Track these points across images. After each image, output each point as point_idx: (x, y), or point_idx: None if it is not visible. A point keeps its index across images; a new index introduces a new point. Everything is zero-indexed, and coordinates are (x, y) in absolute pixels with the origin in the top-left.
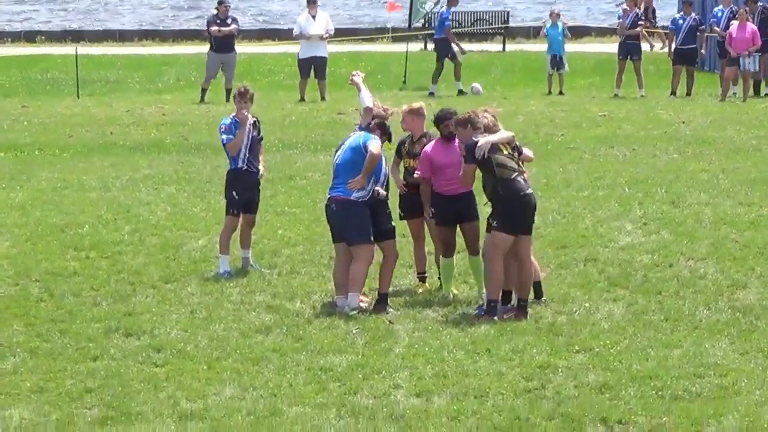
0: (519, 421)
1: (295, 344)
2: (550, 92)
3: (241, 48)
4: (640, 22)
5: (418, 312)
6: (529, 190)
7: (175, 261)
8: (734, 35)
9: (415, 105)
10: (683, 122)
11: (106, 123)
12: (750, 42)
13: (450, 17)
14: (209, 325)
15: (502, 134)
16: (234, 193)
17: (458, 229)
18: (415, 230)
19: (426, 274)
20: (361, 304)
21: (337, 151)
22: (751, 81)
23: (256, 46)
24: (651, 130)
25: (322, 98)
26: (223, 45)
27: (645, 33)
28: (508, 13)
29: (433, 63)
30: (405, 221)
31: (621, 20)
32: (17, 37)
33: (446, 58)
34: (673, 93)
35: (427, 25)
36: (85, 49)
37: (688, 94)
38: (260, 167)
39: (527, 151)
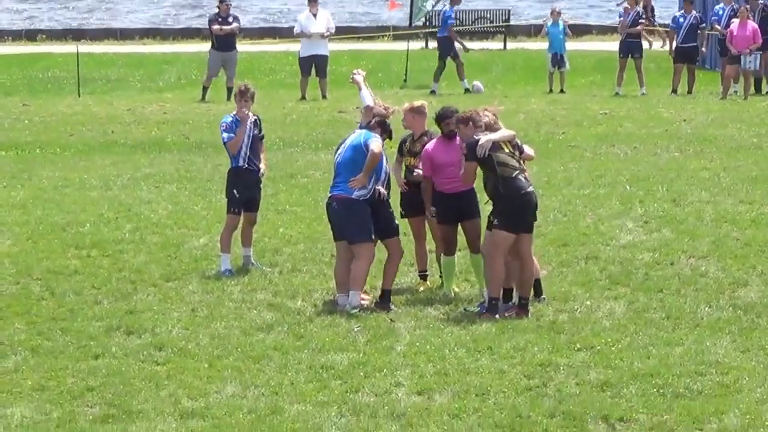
0: (520, 419)
1: (296, 342)
2: (551, 90)
3: (242, 46)
4: (641, 21)
5: (419, 310)
6: (530, 189)
7: (177, 259)
8: (735, 33)
9: (417, 103)
10: (684, 120)
11: (107, 121)
12: (751, 40)
13: (453, 15)
14: (210, 323)
15: (503, 132)
16: (235, 191)
17: (459, 227)
18: (416, 228)
19: (427, 272)
20: (362, 302)
21: (337, 149)
22: (752, 79)
23: (257, 44)
24: (652, 128)
25: (323, 96)
26: (224, 43)
27: (644, 32)
28: (509, 11)
29: (434, 61)
30: (406, 219)
31: (622, 18)
32: (18, 35)
33: (448, 57)
34: (674, 91)
35: (427, 24)
36: (86, 48)
37: (689, 92)
38: (261, 165)
39: (528, 150)
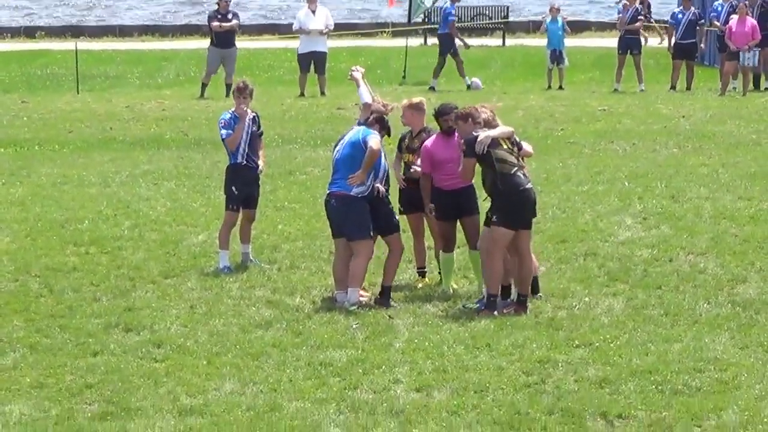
0: (519, 415)
1: (294, 339)
2: (549, 87)
3: (241, 43)
4: (639, 17)
5: (417, 307)
6: (529, 185)
7: (175, 256)
8: (734, 29)
9: (415, 100)
10: (683, 117)
11: (105, 118)
12: (750, 36)
13: (454, 12)
14: (209, 320)
15: (502, 129)
16: (233, 188)
17: (458, 223)
18: (414, 225)
19: (426, 269)
20: (361, 299)
21: (336, 146)
22: (750, 75)
23: (256, 41)
24: (651, 124)
25: (322, 93)
26: (223, 40)
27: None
28: (507, 7)
29: (433, 58)
30: (404, 216)
31: (621, 15)
32: (17, 32)
33: (448, 54)
34: (673, 87)
35: (426, 20)
36: (84, 45)
37: (688, 88)
38: (260, 162)
39: (526, 146)
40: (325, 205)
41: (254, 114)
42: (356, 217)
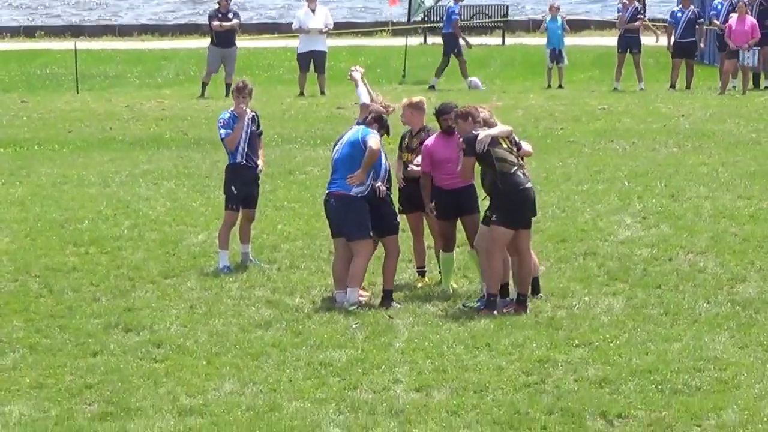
0: (519, 415)
1: (294, 339)
2: (549, 86)
3: (241, 42)
4: (639, 16)
5: (417, 306)
6: (529, 184)
7: (175, 256)
8: (734, 28)
9: (415, 99)
10: (683, 115)
11: (105, 118)
12: (749, 35)
13: (457, 11)
14: (209, 320)
15: (501, 128)
16: (233, 187)
17: (458, 222)
18: (413, 224)
19: (425, 269)
20: (361, 299)
21: (335, 145)
22: (750, 74)
23: (256, 40)
24: (650, 123)
25: (322, 93)
26: (223, 39)
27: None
28: (507, 6)
29: (433, 57)
30: (404, 215)
31: (620, 14)
32: (16, 31)
33: (452, 54)
34: (673, 86)
35: (426, 19)
36: (84, 44)
37: (688, 87)
38: (259, 162)
39: (526, 146)
40: (324, 204)
41: (253, 113)
42: (355, 216)
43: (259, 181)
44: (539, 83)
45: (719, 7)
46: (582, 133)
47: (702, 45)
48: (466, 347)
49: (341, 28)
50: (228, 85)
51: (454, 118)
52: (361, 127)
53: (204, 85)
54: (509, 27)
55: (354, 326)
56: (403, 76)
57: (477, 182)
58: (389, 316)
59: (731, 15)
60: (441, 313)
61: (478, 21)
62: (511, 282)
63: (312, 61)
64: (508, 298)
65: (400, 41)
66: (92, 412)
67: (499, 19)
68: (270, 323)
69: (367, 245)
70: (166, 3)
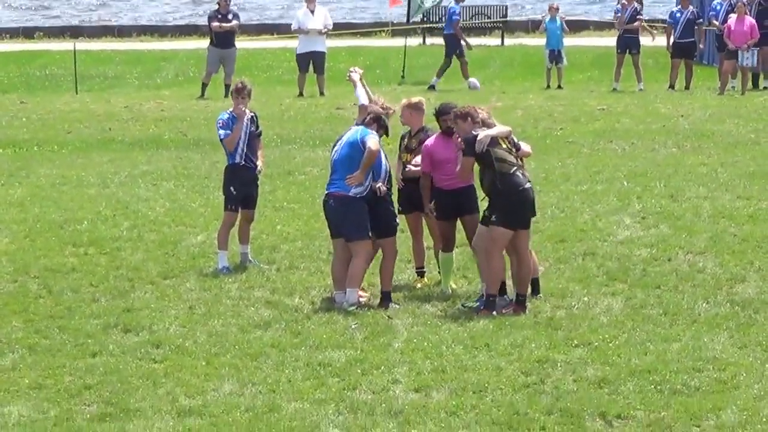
0: (518, 416)
1: (293, 340)
2: (548, 86)
3: (240, 43)
4: (638, 16)
5: (416, 307)
6: (528, 185)
7: (174, 257)
8: (733, 28)
9: (414, 99)
10: (682, 116)
11: (104, 119)
12: (748, 35)
13: (458, 12)
14: (208, 320)
15: (500, 128)
16: (232, 188)
17: (458, 223)
18: (413, 225)
19: (425, 269)
20: (360, 300)
21: (334, 146)
22: (749, 74)
23: (255, 41)
24: (650, 123)
25: (321, 93)
26: (223, 40)
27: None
28: (506, 7)
29: (432, 57)
30: (403, 216)
31: (619, 14)
32: (15, 32)
33: (454, 55)
34: (672, 87)
35: (425, 20)
36: (83, 45)
37: (687, 87)
38: (258, 162)
39: (525, 146)
40: (323, 205)
41: (252, 114)
42: (354, 217)
43: (258, 182)
44: (538, 84)
45: (718, 7)
46: (581, 134)
47: (701, 45)
48: (465, 347)
49: (340, 28)
50: (227, 86)
51: (453, 119)
52: (360, 127)
53: (204, 86)
54: (508, 27)
55: (353, 327)
56: (403, 77)
57: (476, 182)
58: (388, 317)
59: (730, 15)
60: (440, 313)
61: (477, 21)
62: (510, 282)
63: (311, 62)
64: (507, 299)
65: (399, 42)
66: (91, 413)
67: (499, 19)
68: (269, 324)
69: (366, 246)
70: (165, 4)
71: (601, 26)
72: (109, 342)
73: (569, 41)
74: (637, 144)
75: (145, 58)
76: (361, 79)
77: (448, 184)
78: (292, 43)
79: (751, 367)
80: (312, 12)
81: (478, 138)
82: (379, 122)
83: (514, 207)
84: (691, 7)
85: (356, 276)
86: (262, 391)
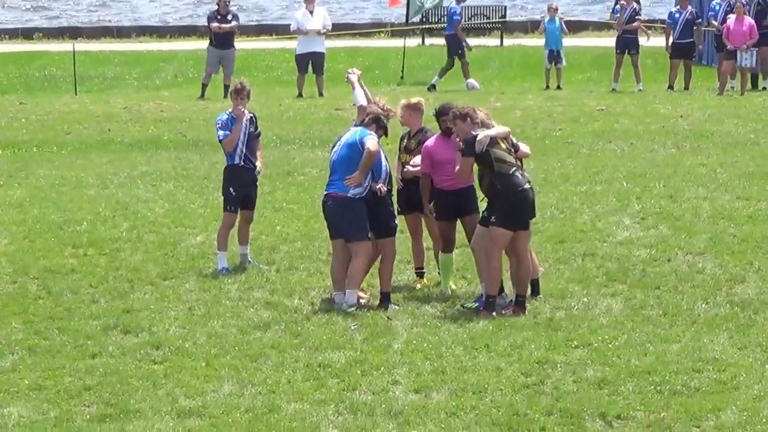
0: (517, 416)
1: (293, 340)
2: (547, 87)
3: (239, 44)
4: (637, 17)
5: (416, 308)
6: (528, 185)
7: (174, 258)
8: (732, 28)
9: (413, 100)
10: (681, 116)
11: (103, 120)
12: (747, 35)
13: (459, 12)
14: (207, 321)
15: (499, 129)
16: (231, 189)
17: (457, 224)
18: (412, 226)
19: (424, 270)
20: (359, 301)
21: (333, 147)
22: (748, 74)
23: (254, 41)
24: (649, 124)
25: (320, 94)
26: (222, 41)
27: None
28: (505, 7)
29: (431, 58)
30: (402, 216)
31: (618, 14)
32: (15, 33)
33: (455, 56)
34: (671, 87)
35: (425, 20)
36: (82, 46)
37: (686, 88)
38: (258, 163)
39: (524, 147)
40: (322, 206)
41: (251, 115)
42: (353, 218)
43: (258, 183)
44: (537, 84)
45: (717, 7)
46: (580, 134)
47: (700, 46)
48: (465, 348)
49: (339, 29)
50: (226, 87)
51: (452, 119)
52: (359, 128)
53: (204, 86)
54: (507, 28)
55: (353, 327)
56: (402, 77)
57: (476, 183)
58: (388, 318)
59: (729, 16)
60: (440, 314)
61: (476, 22)
62: (509, 283)
63: (310, 63)
64: (507, 299)
65: (398, 42)
66: (91, 414)
67: (498, 20)
68: (269, 325)
69: (366, 246)
70: (165, 5)
71: (600, 27)
72: (109, 343)
73: (568, 42)
74: (637, 144)
75: (144, 58)
76: (359, 80)
77: (448, 185)
78: (292, 44)
79: (750, 367)
80: (311, 13)
81: (478, 138)
82: (378, 123)
83: (514, 207)
84: (690, 8)
85: (356, 277)
86: (261, 392)
